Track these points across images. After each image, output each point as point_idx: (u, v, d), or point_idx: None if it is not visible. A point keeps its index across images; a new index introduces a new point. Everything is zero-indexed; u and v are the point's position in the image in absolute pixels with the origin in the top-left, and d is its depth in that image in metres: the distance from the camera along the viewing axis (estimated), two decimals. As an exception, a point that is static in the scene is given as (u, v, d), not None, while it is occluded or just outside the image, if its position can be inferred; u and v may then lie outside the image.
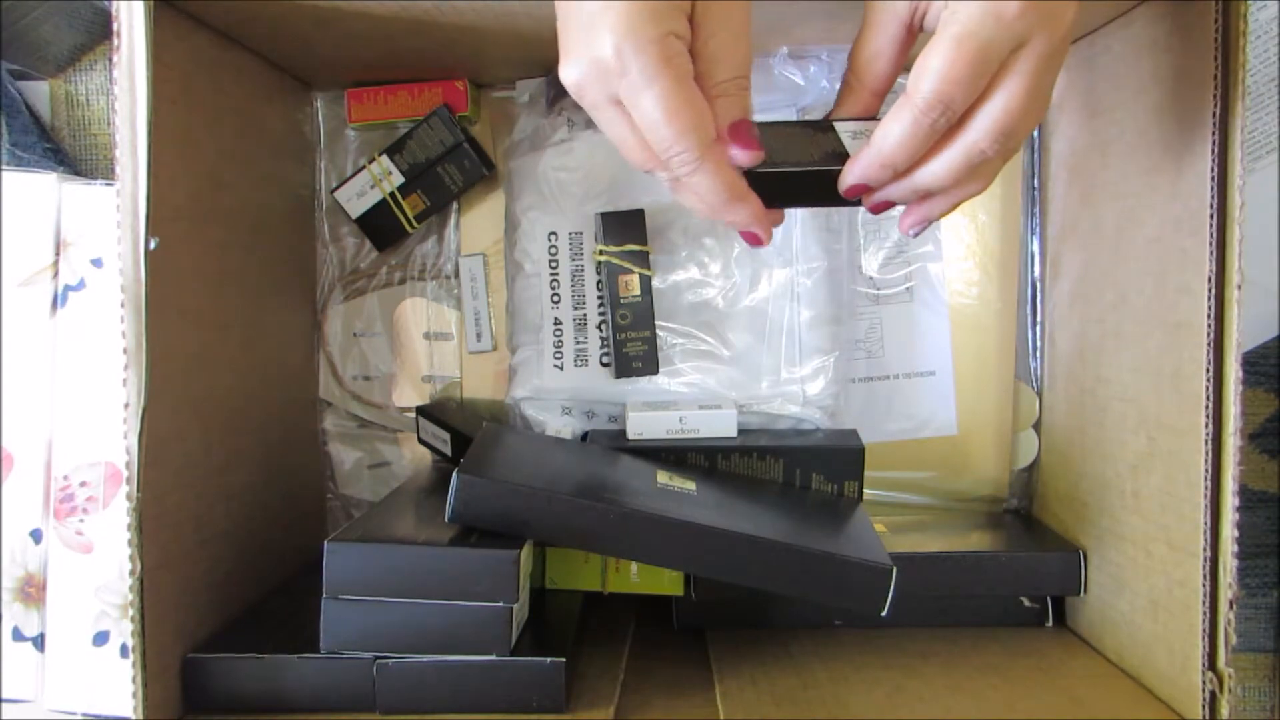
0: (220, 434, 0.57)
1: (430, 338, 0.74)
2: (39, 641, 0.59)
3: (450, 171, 0.70)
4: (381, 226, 0.72)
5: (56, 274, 0.60)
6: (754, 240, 0.46)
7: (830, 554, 0.51)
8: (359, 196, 0.71)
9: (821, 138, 0.46)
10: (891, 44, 0.44)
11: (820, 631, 0.62)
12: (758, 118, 0.44)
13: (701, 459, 0.61)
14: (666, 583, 0.61)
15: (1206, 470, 0.49)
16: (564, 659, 0.51)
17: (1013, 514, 0.71)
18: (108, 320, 0.60)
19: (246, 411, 0.61)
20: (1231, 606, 0.48)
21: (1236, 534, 0.48)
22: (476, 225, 0.73)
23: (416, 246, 0.74)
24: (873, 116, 0.47)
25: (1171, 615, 0.52)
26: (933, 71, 0.39)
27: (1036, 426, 0.70)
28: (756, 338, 0.64)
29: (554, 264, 0.65)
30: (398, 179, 0.70)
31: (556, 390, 0.65)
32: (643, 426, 0.62)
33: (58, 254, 0.60)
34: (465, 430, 0.64)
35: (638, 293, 0.63)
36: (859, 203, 0.46)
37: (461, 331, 0.73)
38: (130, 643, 0.48)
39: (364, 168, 0.71)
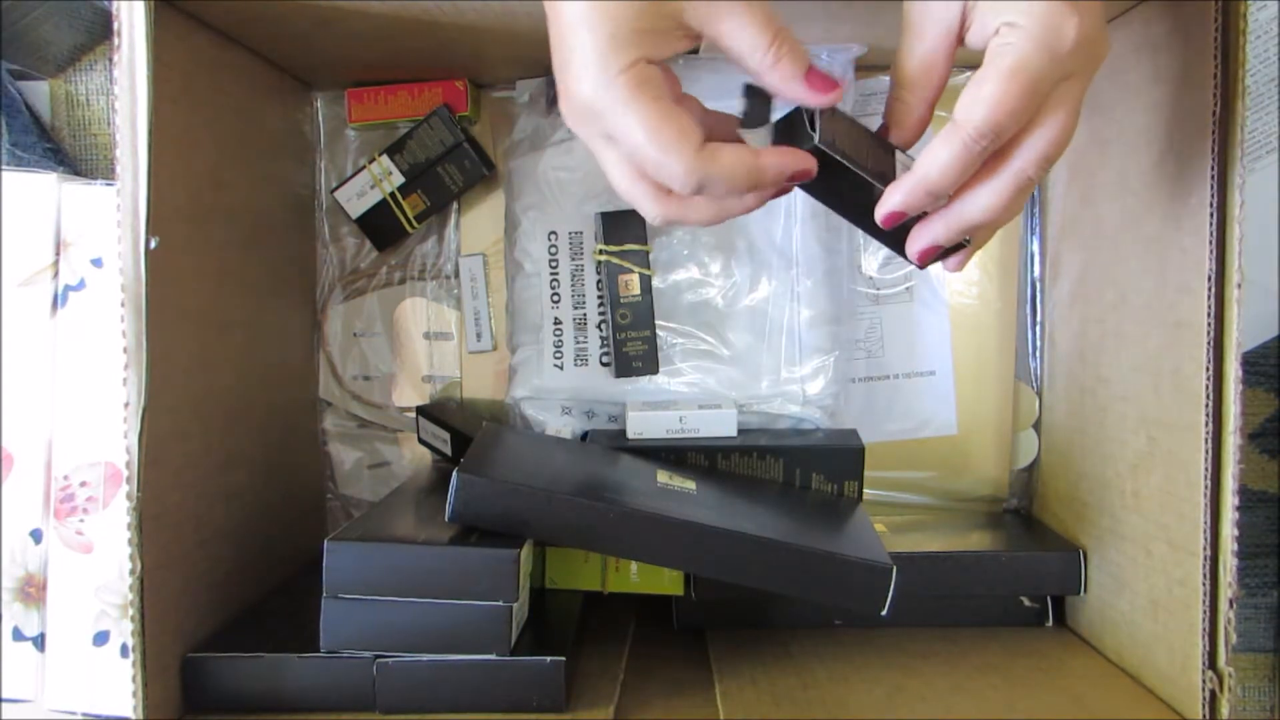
0: (220, 434, 0.57)
1: (430, 338, 0.74)
2: (39, 641, 0.59)
3: (450, 171, 0.70)
4: (381, 226, 0.72)
5: (56, 274, 0.60)
6: (802, 175, 0.44)
7: (830, 554, 0.51)
8: (359, 196, 0.71)
9: (881, 154, 0.45)
10: (944, 55, 0.43)
11: (820, 631, 0.62)
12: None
13: (701, 459, 0.61)
14: (666, 583, 0.61)
15: (1206, 470, 0.49)
16: (564, 659, 0.51)
17: (1013, 514, 0.71)
18: (108, 320, 0.60)
19: (246, 411, 0.61)
20: (1231, 606, 0.48)
21: (1236, 534, 0.48)
22: (476, 225, 0.73)
23: (416, 246, 0.74)
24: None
25: (1171, 615, 0.52)
26: (985, 101, 0.40)
27: (1036, 426, 0.70)
28: (756, 337, 0.64)
29: (554, 264, 0.65)
30: (398, 179, 0.70)
31: (556, 390, 0.65)
32: (643, 426, 0.62)
33: (58, 254, 0.60)
34: (465, 430, 0.64)
35: (638, 292, 0.63)
36: (889, 239, 0.46)
37: (461, 331, 0.73)
38: (130, 643, 0.48)
39: (364, 168, 0.71)
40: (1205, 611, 0.49)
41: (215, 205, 0.57)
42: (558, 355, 0.65)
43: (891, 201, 0.44)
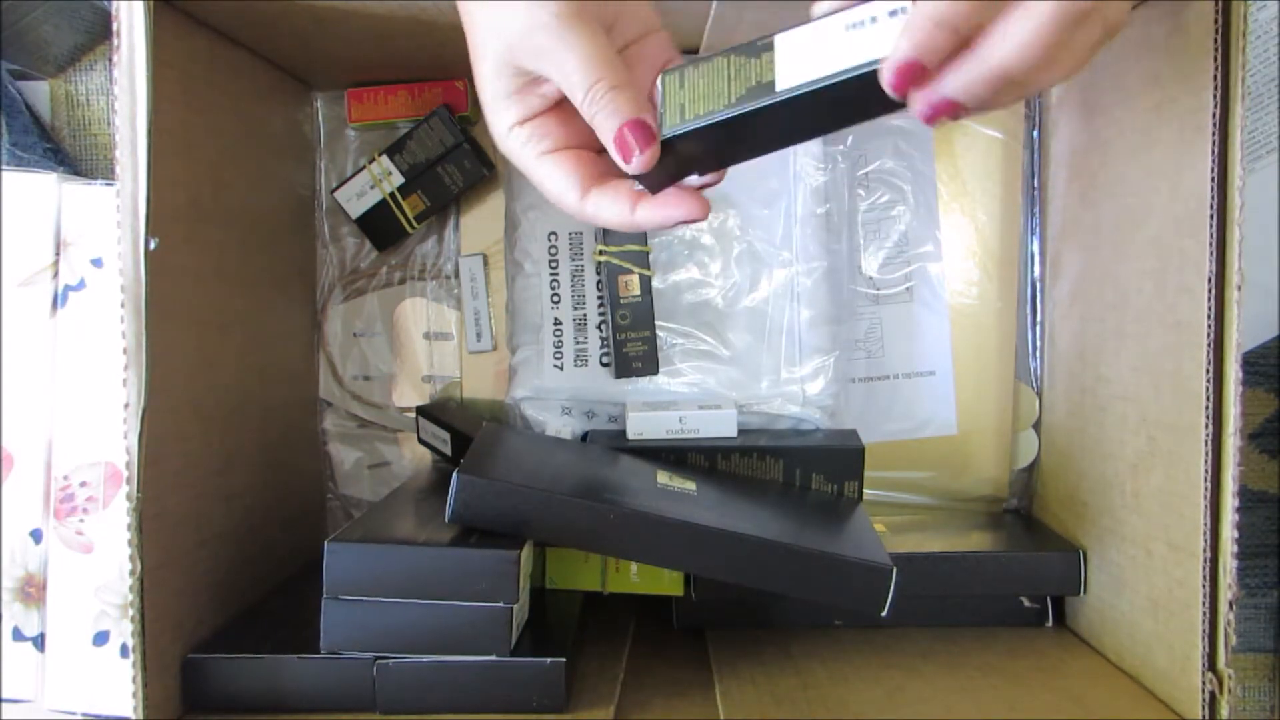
0: (220, 434, 0.57)
1: (430, 338, 0.74)
2: (39, 641, 0.59)
3: (450, 171, 0.70)
4: (381, 226, 0.72)
5: (56, 274, 0.60)
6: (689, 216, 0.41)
7: (830, 554, 0.51)
8: (359, 196, 0.71)
9: (757, 63, 0.37)
10: None
11: (820, 631, 0.62)
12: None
13: (701, 459, 0.61)
14: (666, 583, 0.61)
15: (1206, 470, 0.49)
16: (564, 659, 0.51)
17: (1013, 514, 0.71)
18: (108, 320, 0.60)
19: (246, 411, 0.61)
20: (1231, 606, 0.48)
21: (1236, 534, 0.47)
22: (476, 225, 0.73)
23: (416, 246, 0.74)
24: None
25: (1171, 615, 0.52)
26: None
27: (1036, 426, 0.70)
28: (756, 338, 0.64)
29: (554, 264, 0.65)
30: (398, 179, 0.70)
31: (556, 390, 0.65)
32: (643, 426, 0.62)
33: (58, 254, 0.60)
34: (465, 430, 0.64)
35: (638, 293, 0.63)
36: (876, 112, 0.36)
37: (461, 331, 0.73)
38: (130, 643, 0.48)
39: (364, 168, 0.71)
40: (1205, 612, 0.49)
41: (215, 205, 0.57)
42: (558, 355, 0.65)
43: (901, 51, 0.33)
